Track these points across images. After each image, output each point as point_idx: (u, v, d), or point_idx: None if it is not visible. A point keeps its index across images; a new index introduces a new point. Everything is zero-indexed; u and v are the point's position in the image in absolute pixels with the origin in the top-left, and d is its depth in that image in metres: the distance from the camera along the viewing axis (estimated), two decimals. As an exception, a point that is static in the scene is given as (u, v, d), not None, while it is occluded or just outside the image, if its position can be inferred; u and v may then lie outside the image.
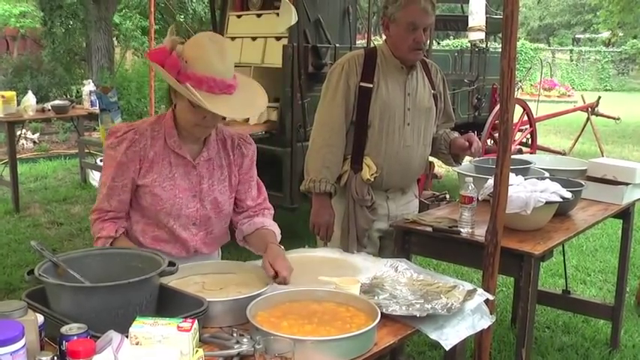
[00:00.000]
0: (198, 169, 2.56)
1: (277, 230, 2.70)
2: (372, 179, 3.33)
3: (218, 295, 2.24)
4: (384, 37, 3.41)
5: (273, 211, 2.81)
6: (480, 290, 2.43)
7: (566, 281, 4.81)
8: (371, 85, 3.30)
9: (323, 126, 3.37)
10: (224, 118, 2.58)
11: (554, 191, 3.24)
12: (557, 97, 22.93)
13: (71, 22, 14.69)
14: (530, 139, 9.19)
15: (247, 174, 2.70)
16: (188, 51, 2.34)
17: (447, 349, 2.16)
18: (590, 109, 10.92)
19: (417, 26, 3.17)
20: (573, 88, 26.85)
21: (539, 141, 10.08)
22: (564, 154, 9.89)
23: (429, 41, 3.45)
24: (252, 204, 2.73)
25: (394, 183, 3.43)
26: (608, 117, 11.34)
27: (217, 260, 2.76)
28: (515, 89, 11.56)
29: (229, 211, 2.70)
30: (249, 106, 2.55)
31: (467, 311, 2.28)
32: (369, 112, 3.30)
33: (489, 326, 2.44)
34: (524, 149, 8.98)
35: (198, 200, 2.58)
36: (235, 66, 2.39)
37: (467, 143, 3.38)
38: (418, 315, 2.12)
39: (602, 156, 9.94)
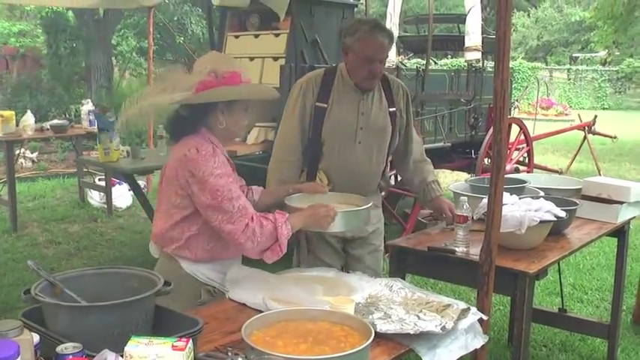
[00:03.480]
0: (235, 170, 2.84)
1: None
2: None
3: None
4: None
5: None
6: (474, 309, 2.44)
7: (562, 299, 4.81)
8: (325, 105, 3.45)
9: (281, 142, 3.56)
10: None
11: (549, 210, 3.27)
12: (555, 115, 22.99)
13: (74, 44, 14.78)
14: (527, 158, 9.22)
15: None
16: (204, 65, 2.72)
17: None
18: (586, 127, 10.97)
19: (372, 59, 3.33)
20: (571, 106, 26.92)
21: (537, 160, 10.11)
22: (561, 172, 9.93)
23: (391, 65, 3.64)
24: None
25: None
26: (605, 135, 11.39)
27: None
28: (512, 108, 11.59)
29: None
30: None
31: (460, 330, 2.29)
32: (322, 130, 3.45)
33: (485, 345, 2.45)
34: (522, 168, 9.01)
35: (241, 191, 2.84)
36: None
37: (444, 215, 3.61)
38: (412, 332, 2.14)
39: (600, 174, 9.97)
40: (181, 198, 2.65)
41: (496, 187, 2.77)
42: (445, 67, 15.94)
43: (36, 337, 1.84)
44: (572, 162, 11.44)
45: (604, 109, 29.80)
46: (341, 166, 3.45)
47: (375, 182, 3.63)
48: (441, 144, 7.52)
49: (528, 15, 39.62)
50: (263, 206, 3.01)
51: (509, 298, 4.75)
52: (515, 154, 9.04)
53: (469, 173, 8.22)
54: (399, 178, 6.89)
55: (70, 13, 15.07)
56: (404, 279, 2.91)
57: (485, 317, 2.51)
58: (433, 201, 3.67)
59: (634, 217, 4.03)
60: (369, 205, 3.05)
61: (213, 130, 2.73)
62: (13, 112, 7.70)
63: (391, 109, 3.54)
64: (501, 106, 2.74)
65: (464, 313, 2.35)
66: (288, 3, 6.06)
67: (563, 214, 3.32)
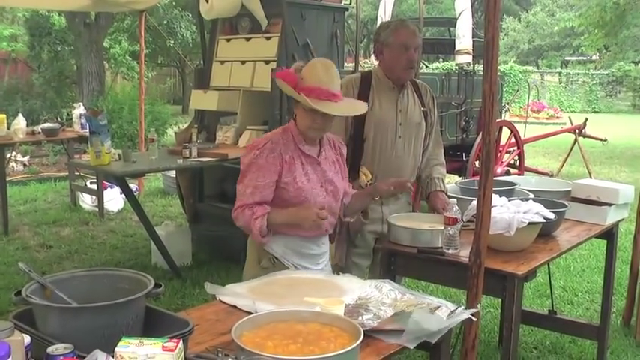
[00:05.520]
0: (322, 166, 3.13)
1: None
2: (368, 185, 3.65)
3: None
4: (373, 60, 3.65)
5: None
6: (461, 309, 2.45)
7: (552, 301, 4.84)
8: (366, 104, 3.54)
9: None
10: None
11: (537, 212, 3.29)
12: (546, 118, 23.08)
13: (59, 48, 14.79)
14: (517, 161, 9.26)
15: (346, 169, 3.33)
16: (304, 71, 2.99)
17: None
18: (577, 130, 11.03)
19: (408, 46, 3.59)
20: (562, 110, 27.02)
21: (528, 162, 10.16)
22: (552, 175, 9.97)
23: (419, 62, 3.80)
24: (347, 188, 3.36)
25: None
26: (595, 138, 11.45)
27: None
28: (504, 111, 11.61)
29: (341, 198, 3.26)
30: (350, 108, 3.19)
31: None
32: (364, 127, 3.66)
33: (474, 347, 2.48)
34: (512, 171, 9.05)
35: (324, 190, 3.13)
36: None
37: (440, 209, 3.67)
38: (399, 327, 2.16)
39: (590, 177, 10.02)
40: None
41: (485, 189, 2.79)
42: (436, 70, 15.98)
43: (27, 338, 1.85)
44: (563, 165, 11.50)
45: (595, 112, 29.93)
46: (384, 160, 3.70)
47: (413, 175, 3.86)
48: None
49: (519, 20, 39.75)
50: (353, 210, 3.39)
51: (499, 300, 4.77)
52: (506, 157, 9.09)
53: (460, 176, 8.25)
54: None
55: (56, 16, 15.07)
56: (394, 280, 2.92)
57: (475, 310, 2.53)
58: (430, 195, 3.82)
59: (622, 219, 4.06)
60: (434, 229, 3.30)
61: (297, 124, 3.09)
62: (4, 116, 7.70)
63: (423, 109, 3.82)
64: (489, 108, 2.76)
65: (452, 314, 2.37)
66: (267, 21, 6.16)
67: (551, 216, 3.34)
